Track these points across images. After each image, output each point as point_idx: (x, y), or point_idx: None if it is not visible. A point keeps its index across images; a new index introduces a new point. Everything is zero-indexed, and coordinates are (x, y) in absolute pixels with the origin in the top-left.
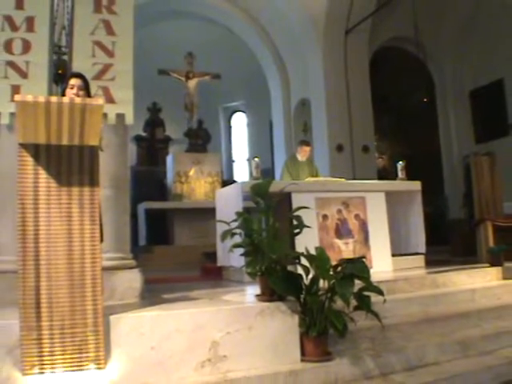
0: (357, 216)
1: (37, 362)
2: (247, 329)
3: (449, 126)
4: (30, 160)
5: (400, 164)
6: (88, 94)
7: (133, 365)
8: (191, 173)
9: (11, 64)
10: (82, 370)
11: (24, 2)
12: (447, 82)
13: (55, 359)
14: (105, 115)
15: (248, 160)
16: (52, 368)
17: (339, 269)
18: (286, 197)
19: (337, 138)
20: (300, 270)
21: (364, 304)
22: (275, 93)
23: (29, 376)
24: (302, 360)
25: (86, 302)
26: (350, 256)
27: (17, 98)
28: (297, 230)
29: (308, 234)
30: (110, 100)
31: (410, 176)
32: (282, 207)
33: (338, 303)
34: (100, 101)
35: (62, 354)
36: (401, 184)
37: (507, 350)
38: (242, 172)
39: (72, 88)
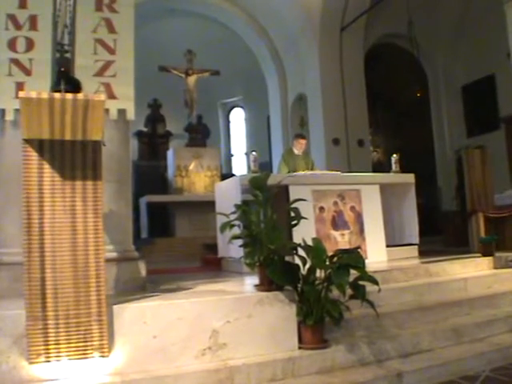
0: (352, 208)
1: (43, 351)
2: (246, 318)
3: (441, 120)
4: (34, 155)
5: (394, 157)
6: None
7: (136, 353)
8: (191, 167)
9: (15, 62)
10: (86, 358)
11: (27, 1)
12: (440, 77)
13: (60, 348)
14: (107, 111)
15: (246, 154)
16: (57, 357)
17: (335, 259)
18: (283, 189)
19: (333, 132)
20: (297, 261)
21: (359, 293)
22: (272, 88)
23: (35, 364)
24: (300, 347)
25: (90, 293)
26: (346, 247)
27: (21, 94)
28: (294, 222)
29: (305, 226)
30: (111, 96)
31: (404, 169)
32: (280, 199)
33: (334, 292)
34: (102, 97)
35: (67, 343)
36: (395, 177)
37: (498, 337)
38: (240, 166)
39: None
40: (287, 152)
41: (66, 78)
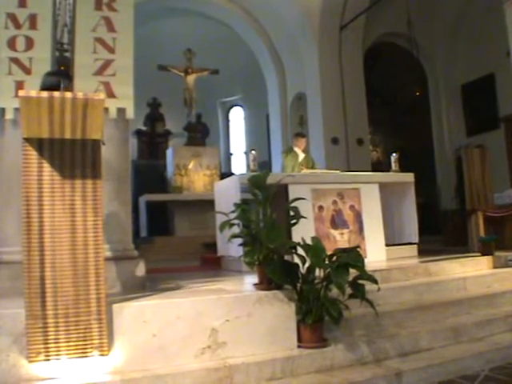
0: (351, 207)
1: (42, 350)
2: (246, 316)
3: (441, 119)
4: (33, 154)
5: (393, 156)
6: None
7: (135, 352)
8: (190, 166)
9: (15, 60)
10: (86, 356)
11: (27, 0)
12: (439, 76)
13: (60, 347)
14: (106, 110)
15: (245, 153)
16: (57, 355)
17: (334, 258)
18: (282, 188)
19: (332, 131)
20: (296, 260)
21: (359, 292)
22: (272, 87)
23: (34, 363)
24: (299, 346)
25: (89, 291)
26: (345, 246)
27: (21, 93)
28: (293, 221)
29: (304, 225)
30: (111, 95)
31: (404, 168)
32: (279, 198)
33: (334, 291)
34: (101, 96)
35: (67, 342)
36: (394, 176)
37: (497, 336)
38: (239, 165)
39: None
40: (288, 150)
41: (58, 73)
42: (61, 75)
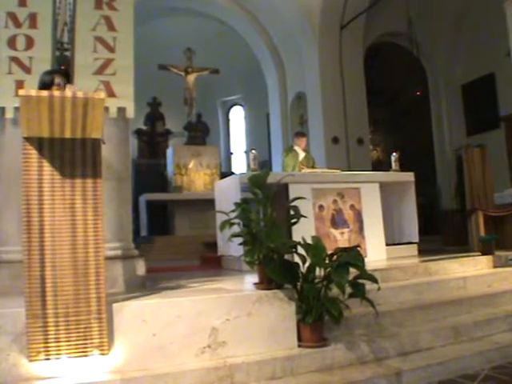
0: (352, 206)
1: (42, 349)
2: (246, 316)
3: (441, 118)
4: (34, 153)
5: (394, 156)
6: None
7: (135, 351)
8: (191, 165)
9: (15, 60)
10: (86, 356)
11: None
12: (440, 75)
13: (60, 346)
14: (106, 109)
15: (246, 152)
16: (57, 354)
17: (335, 257)
18: (283, 188)
19: (332, 131)
20: (297, 259)
21: (359, 291)
22: (272, 87)
23: (35, 362)
24: (299, 346)
25: (89, 291)
26: (346, 245)
27: (21, 92)
28: (294, 220)
29: (305, 224)
30: (111, 94)
31: (404, 167)
32: (280, 198)
33: (334, 291)
34: (102, 95)
35: (67, 341)
36: (394, 175)
37: (497, 336)
38: (239, 164)
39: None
40: (288, 149)
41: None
42: (56, 73)
